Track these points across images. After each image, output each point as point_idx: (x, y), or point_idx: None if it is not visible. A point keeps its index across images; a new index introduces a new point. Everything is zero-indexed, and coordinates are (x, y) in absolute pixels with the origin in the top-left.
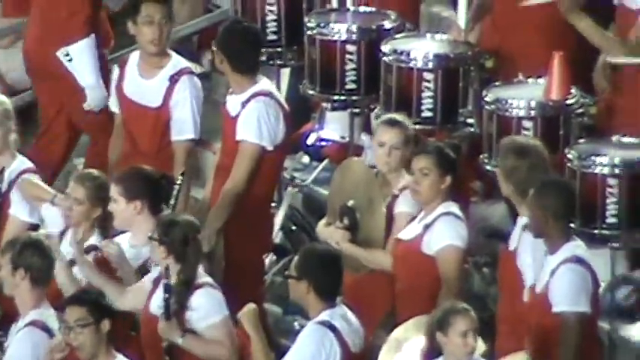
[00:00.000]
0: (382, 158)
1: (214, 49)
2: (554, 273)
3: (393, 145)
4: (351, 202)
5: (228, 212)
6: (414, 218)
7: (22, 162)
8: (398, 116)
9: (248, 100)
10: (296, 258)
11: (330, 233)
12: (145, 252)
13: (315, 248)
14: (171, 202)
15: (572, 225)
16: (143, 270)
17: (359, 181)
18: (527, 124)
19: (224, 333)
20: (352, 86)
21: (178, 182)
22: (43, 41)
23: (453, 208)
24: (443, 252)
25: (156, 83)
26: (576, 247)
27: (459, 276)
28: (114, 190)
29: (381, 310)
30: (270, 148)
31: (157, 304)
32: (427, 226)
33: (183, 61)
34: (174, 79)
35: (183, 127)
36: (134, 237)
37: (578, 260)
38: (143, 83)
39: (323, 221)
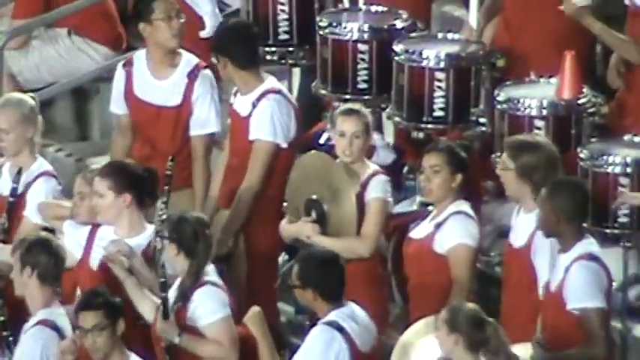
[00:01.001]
0: (344, 148)
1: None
2: (568, 270)
3: (354, 134)
4: (314, 196)
5: (245, 213)
6: (386, 203)
7: (41, 164)
8: (354, 105)
9: (259, 99)
10: (296, 266)
11: (300, 228)
12: (130, 245)
13: (313, 254)
14: (166, 187)
15: (584, 224)
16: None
17: (319, 173)
18: (539, 123)
19: (224, 332)
20: (364, 86)
21: (169, 168)
22: None
23: (465, 206)
24: (454, 251)
25: (172, 82)
26: (589, 244)
27: (470, 275)
28: (101, 185)
29: (366, 299)
30: (284, 145)
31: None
32: (438, 225)
33: (193, 56)
34: (193, 75)
35: (206, 121)
36: (119, 231)
37: (592, 257)
38: (157, 84)
39: (285, 220)
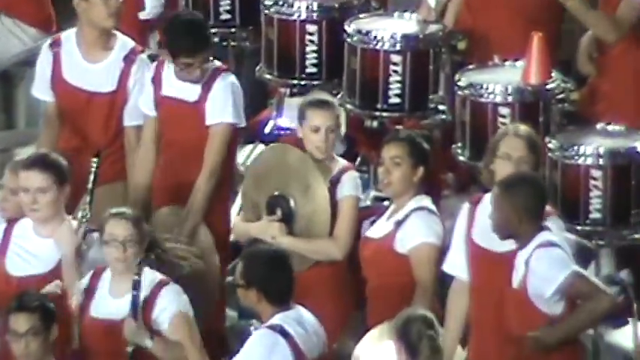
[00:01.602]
0: (319, 144)
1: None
2: (528, 263)
3: (329, 128)
4: (276, 192)
5: (207, 204)
6: (358, 200)
7: None
8: (323, 95)
9: (209, 81)
10: (240, 264)
11: (264, 227)
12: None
13: (259, 252)
14: (89, 186)
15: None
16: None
17: (282, 167)
18: (504, 110)
19: (190, 331)
20: (313, 70)
21: (94, 164)
22: None
23: (426, 202)
24: (417, 251)
25: (106, 66)
26: (548, 235)
27: (434, 276)
28: (43, 180)
29: (331, 306)
30: (243, 124)
31: (98, 308)
32: (399, 223)
33: (129, 40)
34: (129, 59)
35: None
36: (41, 230)
37: (552, 244)
38: (90, 68)
39: (239, 217)
